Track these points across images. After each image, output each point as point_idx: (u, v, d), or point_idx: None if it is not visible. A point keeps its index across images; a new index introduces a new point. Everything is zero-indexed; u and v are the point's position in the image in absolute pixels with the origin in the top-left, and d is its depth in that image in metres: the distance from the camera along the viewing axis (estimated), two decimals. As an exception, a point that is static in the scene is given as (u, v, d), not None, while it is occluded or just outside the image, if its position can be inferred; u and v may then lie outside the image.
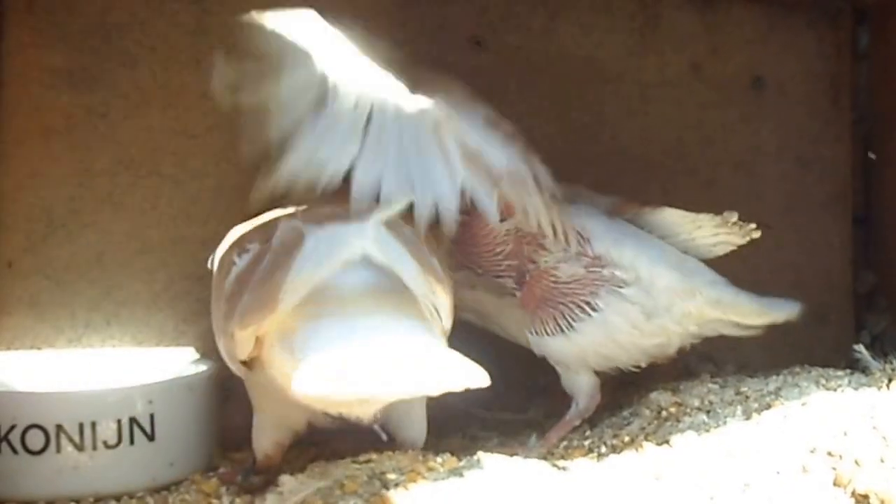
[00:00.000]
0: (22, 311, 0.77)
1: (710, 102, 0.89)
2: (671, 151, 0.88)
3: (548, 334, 0.68)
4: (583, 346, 0.67)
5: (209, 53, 0.77)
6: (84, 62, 0.76)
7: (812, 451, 0.55)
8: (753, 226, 0.68)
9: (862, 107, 0.92)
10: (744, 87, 0.89)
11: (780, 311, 0.68)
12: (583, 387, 0.69)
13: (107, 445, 0.60)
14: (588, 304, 0.67)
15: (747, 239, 0.69)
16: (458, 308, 0.62)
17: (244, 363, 0.57)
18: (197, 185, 0.78)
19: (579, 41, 0.86)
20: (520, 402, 0.81)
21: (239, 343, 0.54)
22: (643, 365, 0.70)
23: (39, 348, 0.77)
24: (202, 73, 0.77)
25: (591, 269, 0.67)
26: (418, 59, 0.81)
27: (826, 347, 0.81)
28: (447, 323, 0.59)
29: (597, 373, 0.70)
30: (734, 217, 0.67)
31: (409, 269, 0.54)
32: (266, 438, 0.60)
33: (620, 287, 0.67)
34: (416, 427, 0.62)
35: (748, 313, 0.68)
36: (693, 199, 0.87)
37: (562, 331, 0.67)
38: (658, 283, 0.67)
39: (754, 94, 0.90)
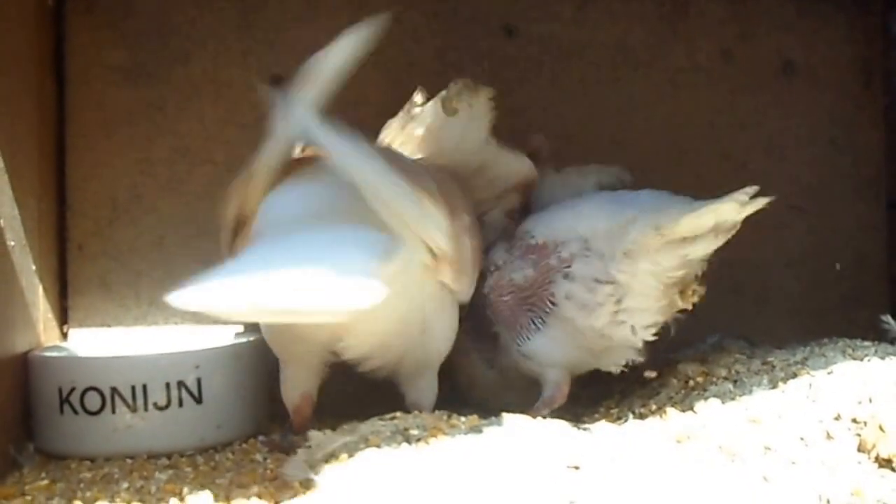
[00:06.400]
0: (92, 291, 0.78)
1: (741, 87, 0.85)
2: (703, 136, 0.85)
3: (529, 338, 0.65)
4: (557, 340, 0.64)
5: (254, 47, 0.78)
6: (141, 59, 0.78)
7: (836, 418, 0.53)
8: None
9: (895, 92, 0.87)
10: (774, 72, 0.86)
11: (726, 201, 0.60)
12: (549, 377, 0.65)
13: (157, 407, 0.61)
14: (552, 295, 0.63)
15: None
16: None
17: None
18: (248, 172, 0.79)
19: (609, 28, 0.83)
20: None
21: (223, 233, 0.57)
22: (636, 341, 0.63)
23: (109, 325, 0.78)
24: (249, 66, 0.78)
25: (541, 265, 0.64)
26: (450, 49, 0.81)
27: (861, 331, 0.77)
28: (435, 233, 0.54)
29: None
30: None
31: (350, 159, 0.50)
32: (292, 389, 0.60)
33: (568, 268, 0.63)
34: (425, 392, 0.61)
35: (691, 222, 0.59)
36: (726, 183, 0.84)
37: (538, 329, 0.64)
38: (598, 228, 0.62)
39: (785, 79, 0.86)
